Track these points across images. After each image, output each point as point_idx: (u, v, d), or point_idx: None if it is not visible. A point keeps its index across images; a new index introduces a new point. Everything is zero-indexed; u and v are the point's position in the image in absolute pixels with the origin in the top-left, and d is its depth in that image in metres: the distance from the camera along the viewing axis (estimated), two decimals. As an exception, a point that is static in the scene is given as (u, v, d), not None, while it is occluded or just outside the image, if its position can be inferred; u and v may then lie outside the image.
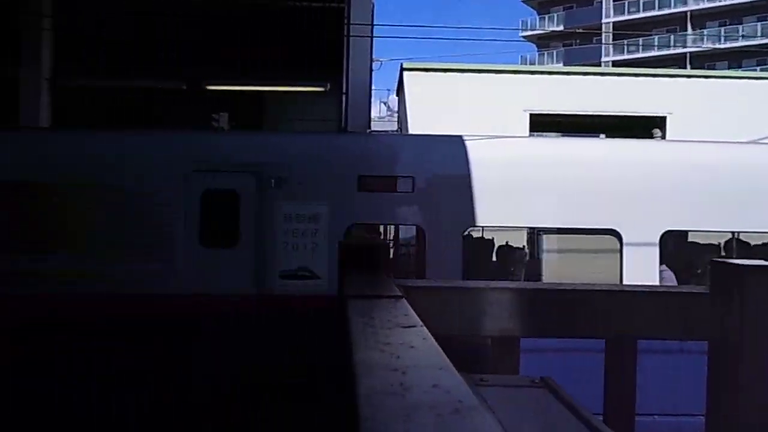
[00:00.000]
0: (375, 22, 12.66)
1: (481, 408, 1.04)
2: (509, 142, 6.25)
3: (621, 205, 5.30)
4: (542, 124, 15.11)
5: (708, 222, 5.42)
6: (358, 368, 1.22)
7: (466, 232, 5.32)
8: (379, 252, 2.48)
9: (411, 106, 13.80)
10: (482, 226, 5.53)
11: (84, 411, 5.40)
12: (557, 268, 5.88)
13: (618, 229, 5.19)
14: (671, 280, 5.69)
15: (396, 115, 24.22)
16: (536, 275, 5.81)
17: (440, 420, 0.96)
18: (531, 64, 48.26)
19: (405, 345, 1.39)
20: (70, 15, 11.90)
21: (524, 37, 52.68)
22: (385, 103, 31.48)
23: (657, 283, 5.28)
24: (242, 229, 5.25)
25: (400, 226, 6.05)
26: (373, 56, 12.53)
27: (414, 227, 5.60)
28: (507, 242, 5.99)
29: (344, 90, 12.46)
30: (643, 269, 5.10)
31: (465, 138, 5.54)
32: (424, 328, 1.57)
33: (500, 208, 5.37)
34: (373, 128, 15.44)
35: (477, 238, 5.70)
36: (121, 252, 5.36)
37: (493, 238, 5.89)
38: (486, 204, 5.20)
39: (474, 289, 2.79)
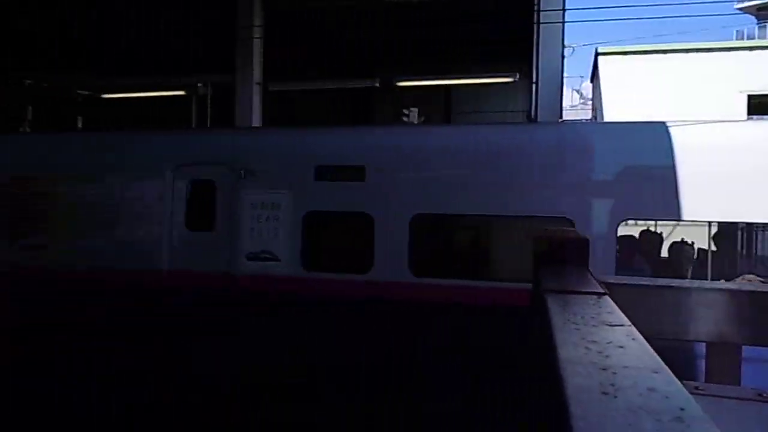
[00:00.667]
0: (566, 6, 12.12)
1: (707, 418, 0.94)
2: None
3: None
4: (764, 105, 13.40)
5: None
6: (563, 366, 1.18)
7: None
8: (578, 245, 2.37)
9: (607, 92, 13.04)
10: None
11: (84, 411, 5.52)
12: None
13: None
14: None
15: (590, 102, 23.01)
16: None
17: (660, 426, 0.89)
18: (749, 38, 42.90)
19: (613, 344, 1.32)
20: (278, 24, 13.00)
21: (740, 8, 46.99)
22: (577, 91, 30.11)
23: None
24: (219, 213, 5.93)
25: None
26: (565, 42, 12.01)
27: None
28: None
29: (534, 79, 12.14)
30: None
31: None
32: (633, 327, 1.47)
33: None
34: (565, 117, 14.86)
35: None
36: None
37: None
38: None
39: (685, 289, 2.56)
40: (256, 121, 12.70)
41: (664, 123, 5.28)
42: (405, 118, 15.04)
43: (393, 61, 14.74)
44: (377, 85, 14.00)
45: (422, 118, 14.98)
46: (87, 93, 11.86)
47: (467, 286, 5.06)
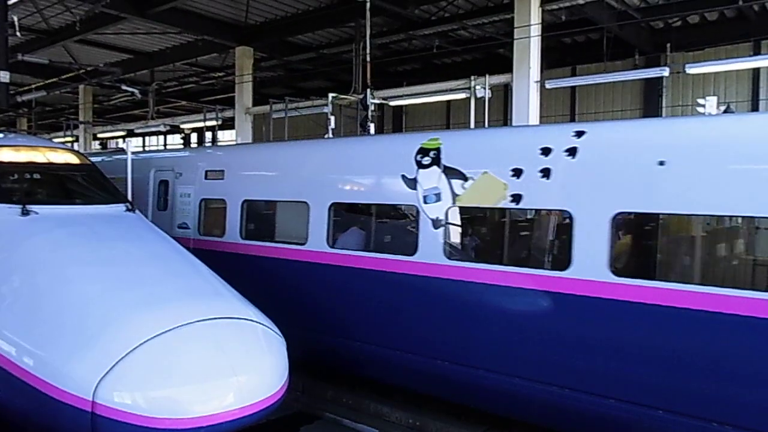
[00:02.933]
0: None
1: None
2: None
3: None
4: None
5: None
6: None
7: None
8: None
9: None
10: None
11: None
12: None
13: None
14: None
15: None
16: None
17: None
18: None
19: None
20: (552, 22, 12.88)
21: None
22: None
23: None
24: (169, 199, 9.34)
25: None
26: None
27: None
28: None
29: None
30: None
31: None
32: None
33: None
34: None
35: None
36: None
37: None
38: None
39: None
40: (534, 117, 12.74)
41: None
42: (701, 109, 13.61)
43: (685, 44, 13.36)
44: (666, 74, 12.87)
45: (721, 108, 13.34)
46: (378, 102, 13.32)
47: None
